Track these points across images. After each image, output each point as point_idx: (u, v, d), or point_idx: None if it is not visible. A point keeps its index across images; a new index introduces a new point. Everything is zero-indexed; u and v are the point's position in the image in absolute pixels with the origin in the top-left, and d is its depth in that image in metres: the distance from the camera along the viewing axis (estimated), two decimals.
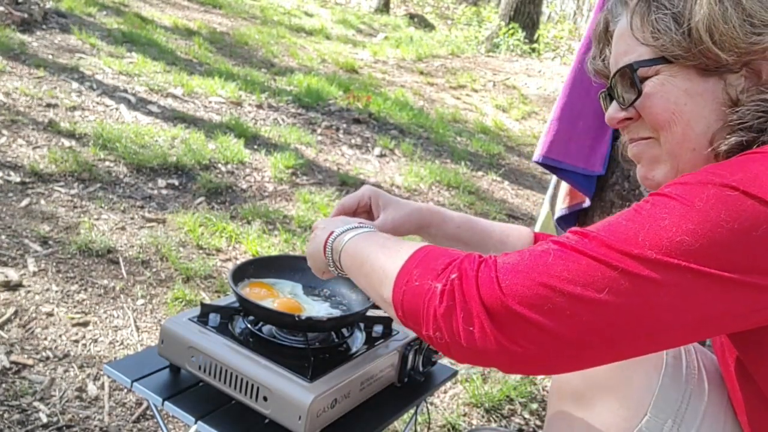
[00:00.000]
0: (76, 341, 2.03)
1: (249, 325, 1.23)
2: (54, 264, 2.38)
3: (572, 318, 0.72)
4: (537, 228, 2.39)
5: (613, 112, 0.95)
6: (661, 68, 0.87)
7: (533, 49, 9.49)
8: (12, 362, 1.88)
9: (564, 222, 2.23)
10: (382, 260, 0.92)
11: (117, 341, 2.07)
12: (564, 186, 2.28)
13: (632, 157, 0.96)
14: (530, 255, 0.78)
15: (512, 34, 9.57)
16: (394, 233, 1.19)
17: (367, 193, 1.23)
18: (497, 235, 1.24)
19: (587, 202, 2.19)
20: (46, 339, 2.01)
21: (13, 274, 2.25)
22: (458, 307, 0.77)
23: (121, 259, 2.51)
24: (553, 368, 0.78)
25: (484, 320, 0.75)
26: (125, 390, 1.87)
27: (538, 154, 2.16)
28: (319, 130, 4.56)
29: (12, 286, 2.20)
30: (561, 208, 2.25)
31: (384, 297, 0.89)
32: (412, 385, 1.30)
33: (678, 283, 0.71)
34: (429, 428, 1.90)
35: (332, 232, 1.04)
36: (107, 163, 3.30)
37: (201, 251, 2.70)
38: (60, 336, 2.04)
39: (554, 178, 2.32)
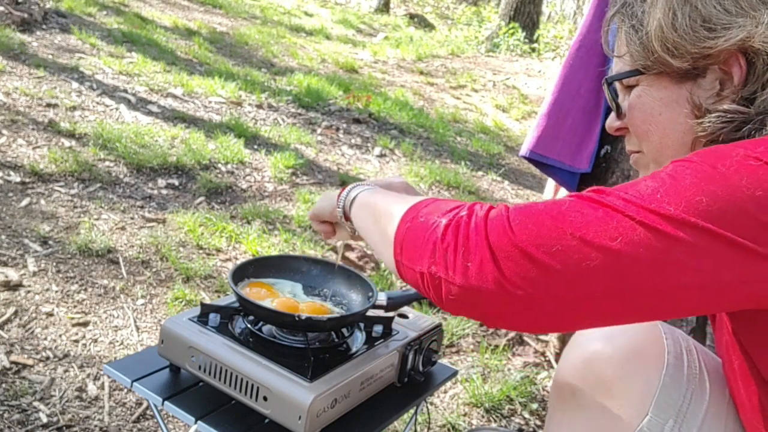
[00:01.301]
0: (76, 341, 2.03)
1: (249, 325, 1.23)
2: (54, 264, 2.38)
3: (581, 262, 0.70)
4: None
5: (610, 120, 0.97)
6: (640, 79, 0.88)
7: (533, 49, 9.49)
8: (12, 362, 1.88)
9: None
10: (392, 205, 0.92)
11: (117, 341, 2.07)
12: (550, 180, 2.29)
13: (633, 165, 0.98)
14: (545, 203, 0.77)
15: (512, 34, 9.56)
16: None
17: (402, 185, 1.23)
18: None
19: None
20: (46, 339, 2.01)
21: (13, 274, 2.25)
22: (460, 242, 0.75)
23: (121, 259, 2.51)
24: (545, 320, 0.75)
25: (485, 257, 0.73)
26: (125, 390, 1.87)
27: (525, 148, 2.16)
28: (319, 130, 4.56)
29: (12, 286, 2.20)
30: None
31: (388, 234, 0.87)
32: (412, 385, 1.30)
33: (693, 242, 0.69)
34: (429, 428, 1.90)
35: (345, 187, 1.09)
36: (107, 163, 3.30)
37: (201, 251, 2.70)
38: (60, 336, 2.04)
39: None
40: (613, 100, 0.93)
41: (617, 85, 0.93)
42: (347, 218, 1.08)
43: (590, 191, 0.77)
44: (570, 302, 0.72)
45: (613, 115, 0.96)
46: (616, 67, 0.92)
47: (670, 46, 0.82)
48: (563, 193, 2.26)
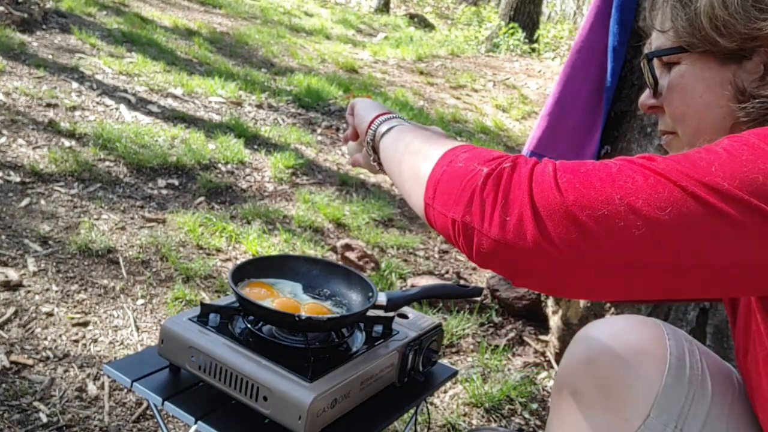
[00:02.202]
0: (76, 341, 2.03)
1: (249, 325, 1.23)
2: (54, 264, 2.38)
3: (625, 230, 0.67)
4: None
5: (644, 98, 0.93)
6: (682, 57, 0.85)
7: (533, 49, 9.49)
8: (12, 362, 1.88)
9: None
10: (429, 144, 0.87)
11: (117, 341, 2.07)
12: None
13: (664, 146, 0.95)
14: (594, 164, 0.73)
15: (512, 34, 9.56)
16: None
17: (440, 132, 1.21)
18: None
19: None
20: (46, 339, 2.01)
21: (13, 274, 2.25)
22: (501, 194, 0.72)
23: (121, 259, 2.51)
24: (577, 286, 0.73)
25: (527, 213, 0.70)
26: (125, 390, 1.86)
27: (527, 148, 2.16)
28: (319, 130, 4.56)
29: (12, 286, 2.20)
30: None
31: (421, 173, 0.83)
32: (412, 385, 1.30)
33: (742, 221, 0.67)
34: (429, 428, 1.90)
35: (379, 115, 1.03)
36: (107, 163, 3.30)
37: (201, 251, 2.70)
38: (60, 336, 2.04)
39: None
40: (652, 76, 0.90)
41: (656, 61, 0.90)
42: (375, 149, 1.04)
43: (641, 157, 0.73)
44: (608, 270, 0.70)
45: (647, 92, 0.93)
46: (657, 42, 0.89)
47: (719, 24, 0.80)
48: None
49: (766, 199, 0.67)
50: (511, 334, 2.46)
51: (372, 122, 1.04)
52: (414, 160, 0.87)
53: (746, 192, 0.67)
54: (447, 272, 2.97)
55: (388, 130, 1.00)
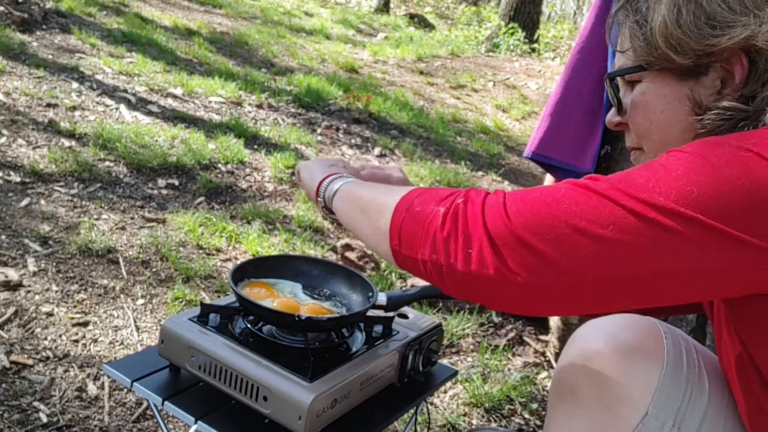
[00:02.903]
0: (76, 341, 2.03)
1: (249, 325, 1.23)
2: (54, 264, 2.38)
3: (574, 250, 0.73)
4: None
5: (610, 116, 0.97)
6: (642, 75, 0.89)
7: (533, 49, 9.49)
8: (12, 362, 1.88)
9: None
10: (381, 196, 0.92)
11: (117, 341, 2.07)
12: (548, 179, 2.29)
13: (633, 161, 0.98)
14: (540, 189, 0.79)
15: (512, 34, 9.56)
16: None
17: (398, 176, 1.24)
18: None
19: None
20: (46, 339, 2.01)
21: (13, 274, 2.25)
22: (460, 229, 0.78)
23: (121, 259, 2.51)
24: (541, 304, 0.78)
25: (485, 244, 0.76)
26: (125, 390, 1.86)
27: (528, 149, 2.16)
28: (319, 130, 4.56)
29: (12, 286, 2.20)
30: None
31: (380, 227, 0.88)
32: (412, 385, 1.30)
33: (681, 231, 0.71)
34: (429, 428, 1.90)
35: (327, 176, 1.08)
36: (107, 163, 3.30)
37: (201, 251, 2.70)
38: (60, 336, 2.04)
39: (548, 175, 2.33)
40: (615, 95, 0.94)
41: (619, 80, 0.93)
42: (330, 211, 1.09)
43: (586, 178, 0.79)
44: (565, 288, 0.74)
45: (613, 110, 0.96)
46: (618, 62, 0.92)
47: (673, 43, 0.83)
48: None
49: (701, 209, 0.71)
50: (511, 334, 2.46)
51: (319, 187, 1.10)
52: (371, 215, 0.92)
53: (682, 205, 0.71)
54: None
55: (337, 190, 1.05)
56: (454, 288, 0.80)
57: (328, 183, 1.08)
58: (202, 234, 2.82)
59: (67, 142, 3.41)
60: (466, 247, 0.76)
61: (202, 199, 3.20)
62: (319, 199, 1.09)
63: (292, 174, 3.66)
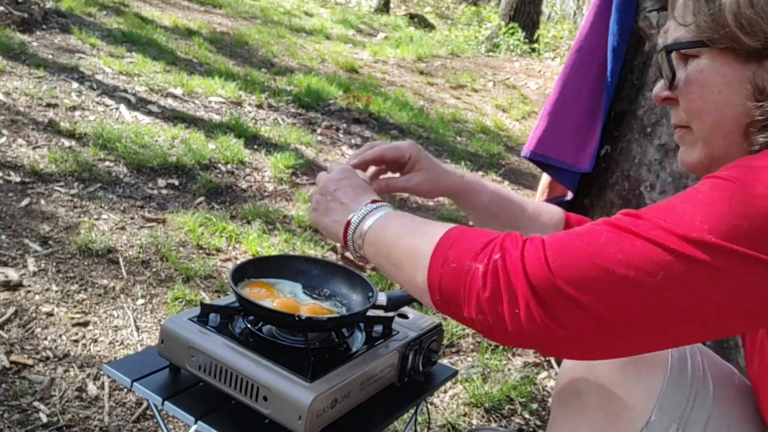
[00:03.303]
0: (76, 341, 2.03)
1: (249, 325, 1.23)
2: (54, 264, 2.38)
3: (623, 302, 0.71)
4: None
5: (657, 90, 0.92)
6: (701, 51, 0.84)
7: (533, 49, 9.49)
8: (12, 362, 1.88)
9: None
10: (411, 245, 0.88)
11: (117, 341, 2.07)
12: (544, 179, 2.29)
13: (676, 140, 0.94)
14: (581, 235, 0.76)
15: (512, 34, 9.56)
16: (420, 195, 1.21)
17: (410, 150, 1.21)
18: (529, 212, 1.22)
19: (569, 196, 2.20)
20: (46, 339, 2.01)
21: (13, 274, 2.25)
22: (503, 289, 0.75)
23: (121, 259, 2.51)
24: (594, 352, 0.77)
25: (531, 301, 0.73)
26: (125, 390, 1.86)
27: (527, 149, 2.16)
28: (319, 130, 4.56)
29: (12, 286, 2.20)
30: (539, 200, 2.26)
31: (417, 282, 0.85)
32: (412, 385, 1.29)
33: (733, 268, 0.69)
34: (429, 428, 1.90)
35: (349, 222, 1.00)
36: (107, 163, 3.30)
37: (201, 251, 2.70)
38: (60, 336, 2.04)
39: (545, 174, 2.33)
40: (670, 68, 0.88)
41: (674, 53, 0.88)
42: (364, 260, 1.03)
43: (625, 216, 0.75)
44: (616, 336, 0.73)
45: (662, 83, 0.91)
46: (675, 33, 0.87)
47: (744, 23, 0.79)
48: (554, 191, 2.26)
49: (751, 243, 0.68)
50: None
51: (345, 236, 1.02)
52: (405, 269, 0.88)
53: (732, 241, 0.69)
54: None
55: (364, 239, 0.98)
56: (507, 342, 0.78)
57: (352, 232, 1.01)
58: (202, 234, 2.82)
59: (67, 142, 3.41)
60: (512, 307, 0.74)
61: (202, 199, 3.20)
62: (349, 248, 1.03)
63: (293, 174, 3.66)
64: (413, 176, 1.21)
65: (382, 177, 1.27)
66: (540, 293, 0.73)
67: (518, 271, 0.75)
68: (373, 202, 1.02)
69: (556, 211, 1.23)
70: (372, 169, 1.27)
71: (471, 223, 1.27)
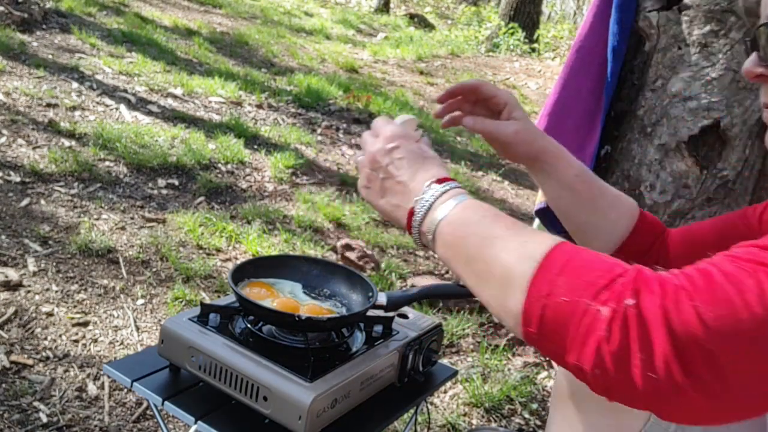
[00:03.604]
0: (76, 341, 2.03)
1: (249, 325, 1.23)
2: (54, 264, 2.38)
3: None
4: (534, 226, 2.39)
5: (750, 65, 0.85)
6: None
7: (533, 49, 9.49)
8: (12, 362, 1.88)
9: (542, 214, 2.23)
10: (503, 258, 0.70)
11: (117, 341, 2.07)
12: None
13: (764, 120, 0.88)
14: (733, 276, 0.61)
15: (512, 34, 9.57)
16: (505, 150, 1.07)
17: (506, 98, 1.10)
18: (609, 198, 1.13)
19: None
20: (46, 339, 2.01)
21: (13, 274, 2.25)
22: (636, 346, 0.60)
23: (121, 259, 2.51)
24: (727, 416, 0.63)
25: (673, 365, 0.59)
26: (125, 390, 1.87)
27: None
28: (319, 130, 4.56)
29: (12, 286, 2.20)
30: (540, 201, 2.26)
31: (509, 307, 0.69)
32: (412, 385, 1.29)
33: None
34: (429, 428, 1.90)
35: (413, 211, 0.82)
36: (107, 163, 3.30)
37: (201, 251, 2.70)
38: (60, 336, 2.04)
39: None
40: (765, 43, 0.82)
41: (765, 27, 0.83)
42: (423, 234, 0.84)
43: (755, 246, 0.63)
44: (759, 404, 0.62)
45: (754, 58, 0.84)
46: None
47: None
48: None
49: None
50: (511, 334, 2.46)
51: (410, 222, 0.84)
52: (492, 284, 0.71)
53: None
54: (447, 272, 2.97)
55: (436, 231, 0.80)
56: (621, 400, 0.63)
57: (418, 223, 0.82)
58: (202, 234, 2.82)
59: (67, 142, 3.41)
60: (646, 369, 0.59)
61: (202, 199, 3.20)
62: (415, 241, 0.85)
63: (293, 174, 3.66)
64: (510, 124, 1.07)
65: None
66: (686, 356, 0.59)
67: (659, 326, 0.60)
68: (440, 181, 0.83)
69: (632, 206, 1.15)
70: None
71: (541, 198, 1.08)
